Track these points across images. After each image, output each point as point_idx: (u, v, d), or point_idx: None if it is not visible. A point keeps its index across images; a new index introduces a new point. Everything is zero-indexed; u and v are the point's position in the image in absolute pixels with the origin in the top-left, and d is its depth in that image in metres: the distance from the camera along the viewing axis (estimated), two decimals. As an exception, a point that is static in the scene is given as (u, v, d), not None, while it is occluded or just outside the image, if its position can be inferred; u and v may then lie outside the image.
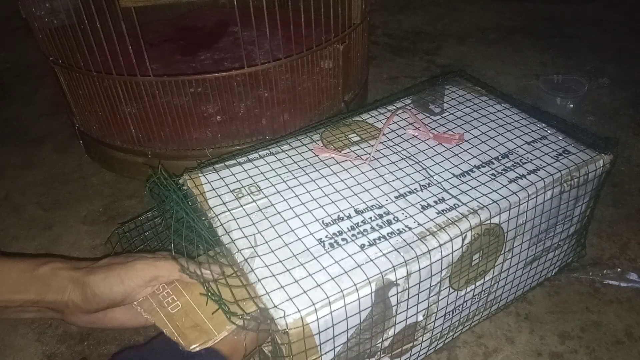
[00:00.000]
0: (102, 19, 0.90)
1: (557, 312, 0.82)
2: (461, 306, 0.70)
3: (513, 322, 0.81)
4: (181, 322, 0.55)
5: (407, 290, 0.59)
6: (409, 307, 0.61)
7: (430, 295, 0.63)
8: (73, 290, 0.55)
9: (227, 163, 0.73)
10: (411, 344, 0.67)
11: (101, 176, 1.15)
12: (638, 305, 0.83)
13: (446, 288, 0.65)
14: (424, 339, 0.69)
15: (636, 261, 0.90)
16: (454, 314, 0.70)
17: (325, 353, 0.56)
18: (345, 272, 0.56)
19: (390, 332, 0.62)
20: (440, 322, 0.69)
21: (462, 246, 0.62)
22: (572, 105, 1.25)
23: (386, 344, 0.63)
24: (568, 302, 0.84)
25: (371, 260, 0.58)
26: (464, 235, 0.62)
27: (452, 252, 0.61)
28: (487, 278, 0.70)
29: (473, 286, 0.69)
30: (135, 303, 0.58)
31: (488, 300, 0.75)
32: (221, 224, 0.63)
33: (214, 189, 0.68)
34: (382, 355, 0.65)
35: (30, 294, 0.54)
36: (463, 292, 0.68)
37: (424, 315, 0.65)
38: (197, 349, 0.54)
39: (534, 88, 1.39)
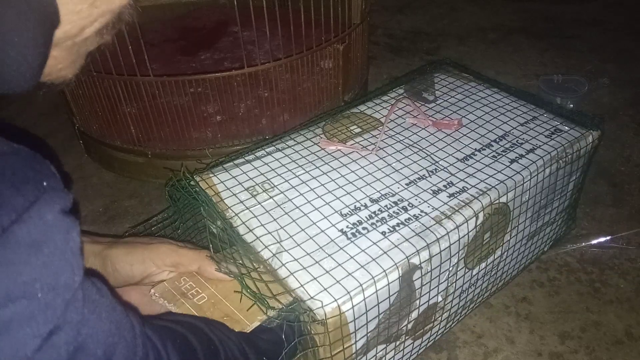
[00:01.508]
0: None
1: (557, 312, 0.82)
2: (474, 284, 0.73)
3: (513, 322, 0.81)
4: (210, 313, 0.55)
5: (429, 273, 0.61)
6: (430, 289, 0.64)
7: (449, 276, 0.65)
8: (93, 263, 0.54)
9: (236, 162, 0.74)
10: (431, 325, 0.70)
11: (101, 176, 1.15)
12: (638, 305, 0.83)
13: (462, 268, 0.67)
14: (442, 319, 0.71)
15: (636, 261, 0.90)
16: (468, 293, 0.73)
17: (359, 339, 0.58)
18: (373, 259, 0.58)
19: (414, 315, 0.65)
20: (456, 301, 0.71)
21: (475, 226, 0.65)
22: (572, 105, 1.25)
23: (410, 326, 0.65)
24: (568, 302, 0.84)
25: (395, 246, 0.60)
26: (477, 216, 0.65)
27: (468, 233, 0.64)
28: (496, 255, 0.73)
29: (484, 264, 0.72)
30: (156, 294, 0.57)
31: (496, 277, 0.77)
32: (242, 222, 0.64)
33: (228, 189, 0.69)
34: (406, 338, 0.67)
35: None
36: (476, 271, 0.71)
37: (442, 296, 0.67)
38: None
39: (534, 88, 1.39)
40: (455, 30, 1.76)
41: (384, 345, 0.63)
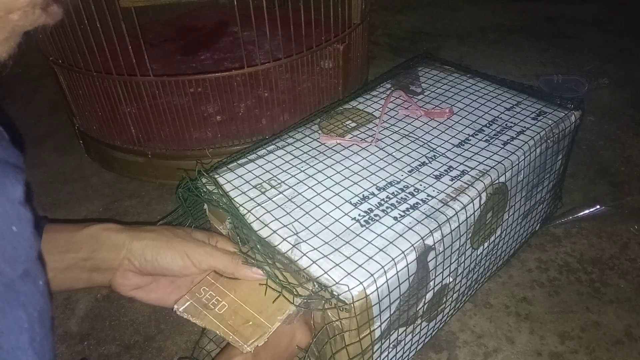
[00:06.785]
0: (102, 19, 0.90)
1: (557, 312, 0.82)
2: (479, 264, 0.76)
3: (513, 322, 0.81)
4: (232, 321, 0.55)
5: (442, 254, 0.63)
6: (443, 269, 0.66)
7: (459, 257, 0.68)
8: (130, 249, 0.55)
9: (239, 162, 0.75)
10: (442, 307, 0.72)
11: (101, 176, 1.15)
12: (638, 305, 0.83)
13: (469, 248, 0.69)
14: (451, 300, 0.73)
15: (636, 261, 0.90)
16: (473, 273, 0.75)
17: (383, 322, 0.59)
18: (390, 242, 0.60)
19: (429, 296, 0.66)
20: (464, 281, 0.74)
21: (480, 206, 0.67)
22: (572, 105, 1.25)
23: (425, 308, 0.67)
24: (568, 302, 0.84)
25: (409, 228, 0.62)
26: (480, 196, 0.67)
27: (474, 213, 0.66)
28: (497, 234, 0.76)
29: (487, 243, 0.74)
30: (180, 309, 0.57)
31: (496, 256, 0.81)
32: (257, 218, 0.64)
33: (236, 187, 0.70)
34: (421, 321, 0.69)
35: (81, 252, 0.54)
36: (480, 250, 0.73)
37: (453, 276, 0.69)
38: (255, 344, 0.53)
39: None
40: (455, 30, 1.76)
41: (404, 329, 0.65)
